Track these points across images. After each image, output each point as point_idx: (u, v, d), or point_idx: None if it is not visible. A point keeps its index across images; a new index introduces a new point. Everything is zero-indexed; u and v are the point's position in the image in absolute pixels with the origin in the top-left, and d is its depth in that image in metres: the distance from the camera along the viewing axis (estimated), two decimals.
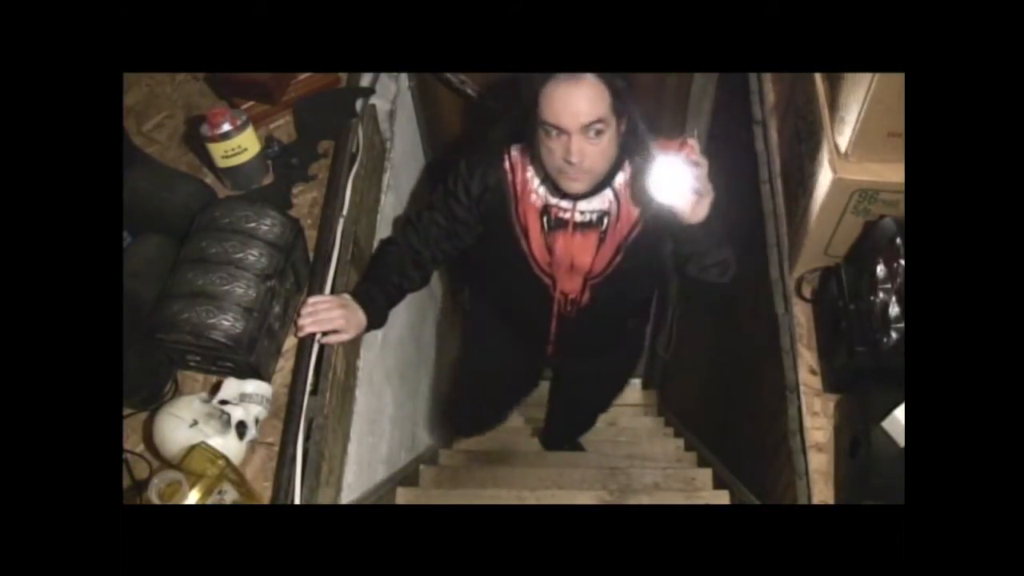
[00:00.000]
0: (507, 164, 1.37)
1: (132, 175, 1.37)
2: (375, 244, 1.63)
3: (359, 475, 1.55)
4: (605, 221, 1.36)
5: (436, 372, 2.47)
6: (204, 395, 1.25)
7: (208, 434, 1.16)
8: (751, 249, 1.56)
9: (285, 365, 1.34)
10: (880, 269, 1.28)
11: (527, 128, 1.27)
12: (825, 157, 1.30)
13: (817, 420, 1.35)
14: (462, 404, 2.04)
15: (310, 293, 1.37)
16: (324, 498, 1.27)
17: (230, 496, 1.11)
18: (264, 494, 1.20)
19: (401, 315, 1.92)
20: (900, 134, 1.20)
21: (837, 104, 1.30)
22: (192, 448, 1.12)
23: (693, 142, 1.16)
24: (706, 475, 2.24)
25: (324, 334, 1.31)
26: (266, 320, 1.27)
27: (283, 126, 1.67)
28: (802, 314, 1.46)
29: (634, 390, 3.43)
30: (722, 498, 1.93)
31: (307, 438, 1.22)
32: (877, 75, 1.15)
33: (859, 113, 1.21)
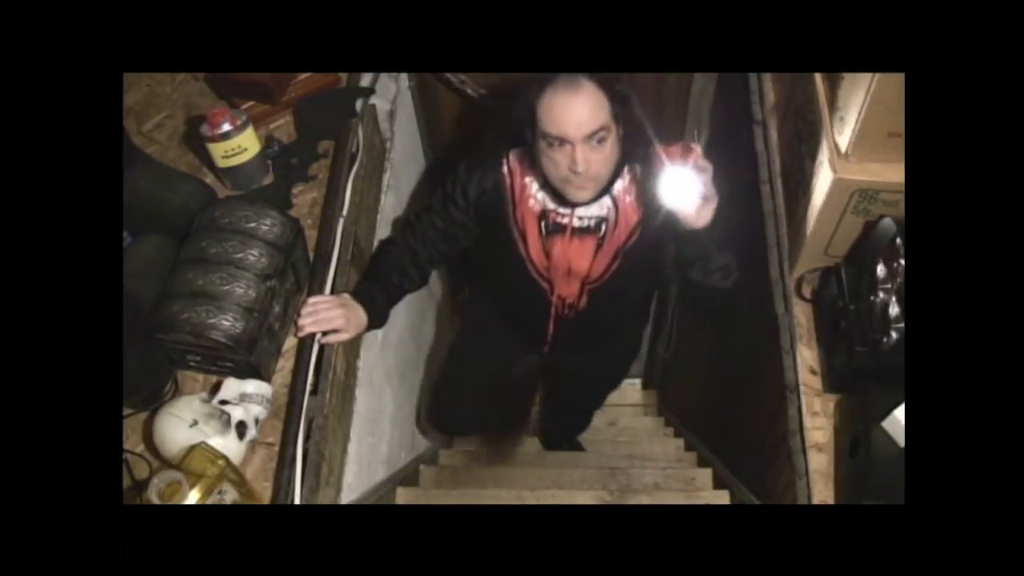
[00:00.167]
0: (505, 168, 1.37)
1: (132, 175, 1.37)
2: (375, 244, 1.64)
3: (359, 475, 1.55)
4: (603, 227, 1.36)
5: (432, 369, 2.47)
6: (204, 395, 1.25)
7: (208, 434, 1.16)
8: (751, 249, 1.56)
9: (285, 365, 1.34)
10: (880, 269, 1.28)
11: (526, 133, 1.27)
12: (825, 157, 1.30)
13: (817, 420, 1.35)
14: (444, 394, 1.99)
15: (310, 293, 1.37)
16: (324, 498, 1.27)
17: (230, 496, 1.11)
18: (264, 494, 1.20)
19: (401, 315, 1.92)
20: (900, 134, 1.20)
21: (837, 104, 1.30)
22: (192, 448, 1.12)
23: (696, 147, 1.16)
24: (706, 475, 2.24)
25: (324, 334, 1.31)
26: (266, 320, 1.27)
27: (283, 126, 1.67)
28: (802, 314, 1.46)
29: (634, 390, 3.43)
30: (722, 498, 1.93)
31: (307, 438, 1.22)
32: (877, 75, 1.15)
33: (859, 113, 1.21)
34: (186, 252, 1.30)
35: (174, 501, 1.05)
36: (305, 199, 1.56)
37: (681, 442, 2.79)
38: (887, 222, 1.29)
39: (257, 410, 1.24)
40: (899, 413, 1.14)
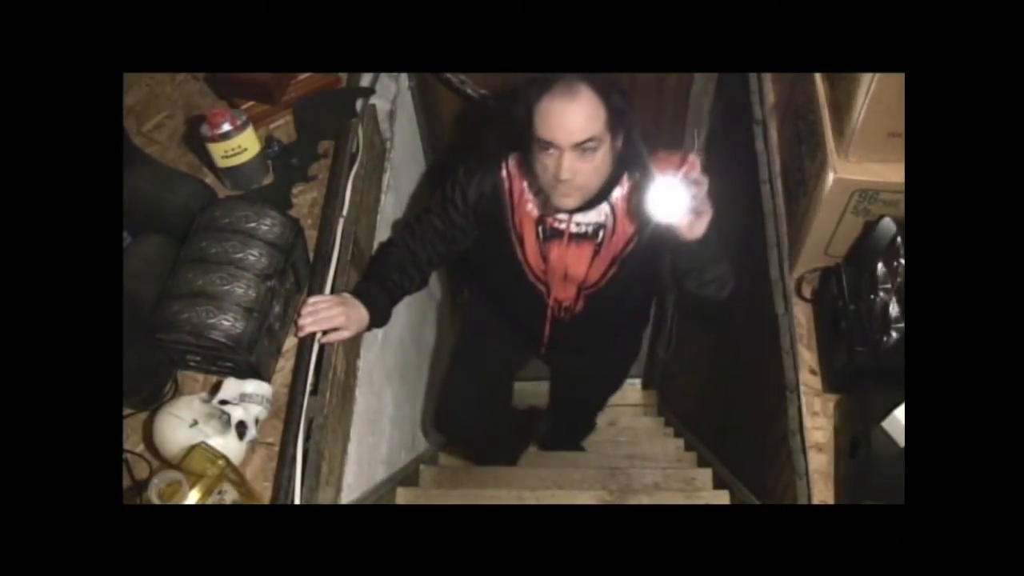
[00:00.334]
0: (504, 172, 1.37)
1: (132, 175, 1.37)
2: (375, 244, 1.64)
3: (359, 475, 1.55)
4: (601, 234, 1.36)
5: (434, 371, 2.47)
6: (204, 395, 1.25)
7: (208, 434, 1.16)
8: (751, 249, 1.56)
9: (285, 365, 1.34)
10: (880, 269, 1.28)
11: (524, 136, 1.27)
12: (825, 157, 1.30)
13: (817, 420, 1.35)
14: (448, 399, 2.01)
15: (310, 293, 1.37)
16: (324, 498, 1.27)
17: (230, 496, 1.11)
18: (264, 494, 1.20)
19: (401, 315, 1.92)
20: (900, 134, 1.20)
21: (837, 104, 1.30)
22: (192, 448, 1.12)
23: (694, 158, 1.15)
24: (706, 475, 2.24)
25: (324, 333, 1.31)
26: (266, 320, 1.27)
27: (283, 126, 1.67)
28: (802, 314, 1.46)
29: (634, 390, 3.43)
30: (722, 498, 1.93)
31: (307, 438, 1.22)
32: (877, 75, 1.15)
33: (859, 113, 1.21)
34: (186, 252, 1.30)
35: (174, 501, 1.05)
36: (305, 199, 1.56)
37: (681, 442, 2.79)
38: (887, 222, 1.29)
39: (257, 410, 1.24)
40: (899, 413, 1.14)
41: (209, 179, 1.56)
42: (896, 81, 1.12)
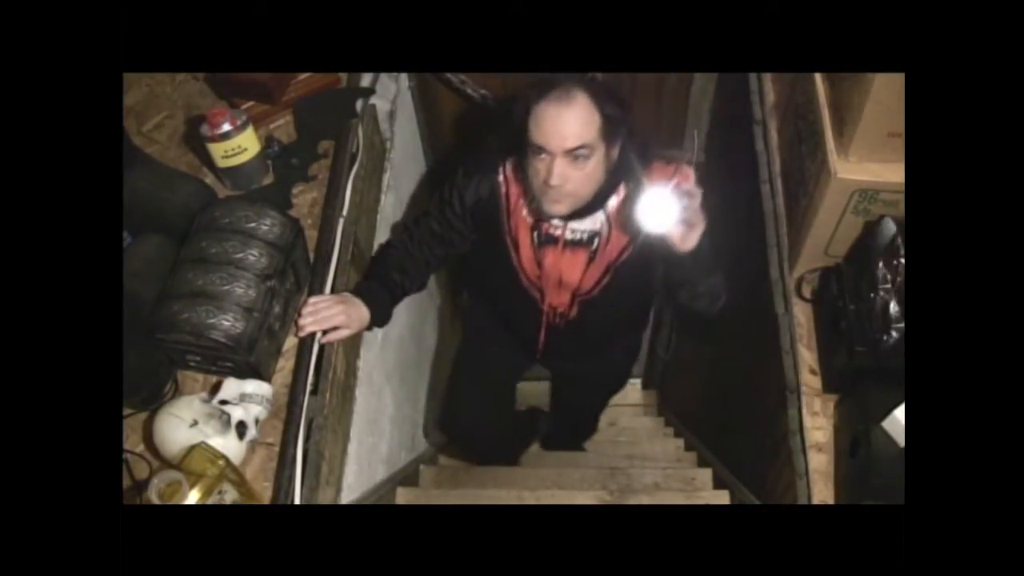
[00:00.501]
0: (501, 176, 1.37)
1: (132, 175, 1.37)
2: (375, 244, 1.64)
3: (359, 475, 1.55)
4: (596, 241, 1.36)
5: (435, 373, 2.47)
6: (204, 395, 1.25)
7: (208, 434, 1.16)
8: (751, 249, 1.56)
9: (285, 365, 1.34)
10: (880, 269, 1.28)
11: (520, 141, 1.27)
12: (825, 157, 1.30)
13: (817, 420, 1.35)
14: (451, 402, 2.02)
15: (310, 293, 1.37)
16: (324, 498, 1.27)
17: (230, 496, 1.11)
18: (264, 494, 1.20)
19: (401, 315, 1.92)
20: (900, 134, 1.20)
21: (837, 104, 1.30)
22: (192, 448, 1.12)
23: (688, 170, 1.15)
24: (706, 475, 2.24)
25: (325, 333, 1.31)
26: (266, 320, 1.27)
27: (283, 126, 1.67)
28: (802, 314, 1.46)
29: (634, 390, 3.43)
30: (722, 498, 1.93)
31: (307, 438, 1.22)
32: (877, 75, 1.15)
33: (859, 113, 1.21)
34: (186, 252, 1.30)
35: (174, 501, 1.05)
36: (305, 199, 1.56)
37: (681, 442, 2.79)
38: (887, 222, 1.29)
39: (257, 410, 1.24)
40: (899, 413, 1.14)
41: (209, 179, 1.56)
42: (896, 81, 1.12)
